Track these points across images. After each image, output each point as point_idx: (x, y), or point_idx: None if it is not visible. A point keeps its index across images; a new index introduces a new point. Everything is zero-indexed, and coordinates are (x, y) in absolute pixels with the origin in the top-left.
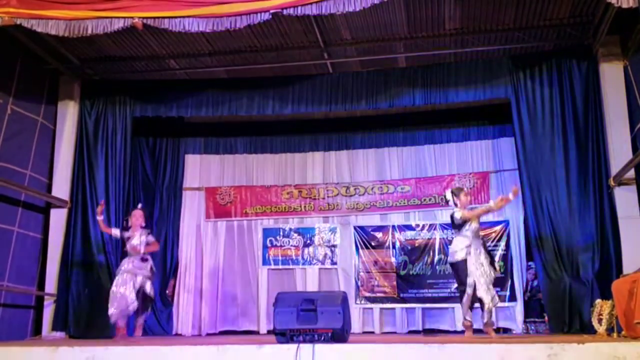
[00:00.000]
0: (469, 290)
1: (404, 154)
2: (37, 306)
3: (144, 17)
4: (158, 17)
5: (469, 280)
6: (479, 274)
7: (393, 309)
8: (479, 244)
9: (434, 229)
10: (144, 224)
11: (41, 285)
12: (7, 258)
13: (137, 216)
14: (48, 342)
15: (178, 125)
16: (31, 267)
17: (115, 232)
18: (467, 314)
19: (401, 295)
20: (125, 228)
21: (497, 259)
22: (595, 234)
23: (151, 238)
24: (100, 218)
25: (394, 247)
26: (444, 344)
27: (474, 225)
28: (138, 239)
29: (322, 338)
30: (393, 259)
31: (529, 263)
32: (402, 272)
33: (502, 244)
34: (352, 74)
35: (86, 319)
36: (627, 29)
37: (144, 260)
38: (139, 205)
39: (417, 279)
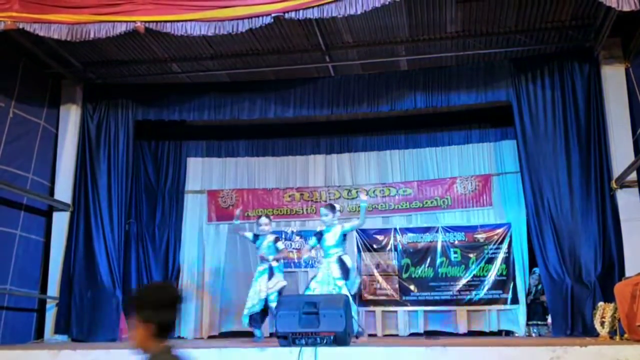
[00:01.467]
0: None
1: (406, 157)
2: (39, 309)
3: (146, 21)
4: (160, 21)
5: None
6: None
7: (395, 311)
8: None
9: (436, 232)
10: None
11: (44, 288)
12: (9, 261)
13: (263, 224)
14: (50, 346)
15: (180, 128)
16: (34, 270)
17: (248, 234)
18: None
19: (403, 298)
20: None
21: (499, 261)
22: (598, 236)
23: (280, 245)
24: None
25: (396, 249)
26: (446, 347)
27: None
28: (266, 243)
29: (325, 341)
30: (395, 262)
31: (534, 269)
32: (404, 275)
33: (505, 246)
34: (353, 77)
35: (89, 322)
36: (629, 31)
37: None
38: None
39: (419, 281)
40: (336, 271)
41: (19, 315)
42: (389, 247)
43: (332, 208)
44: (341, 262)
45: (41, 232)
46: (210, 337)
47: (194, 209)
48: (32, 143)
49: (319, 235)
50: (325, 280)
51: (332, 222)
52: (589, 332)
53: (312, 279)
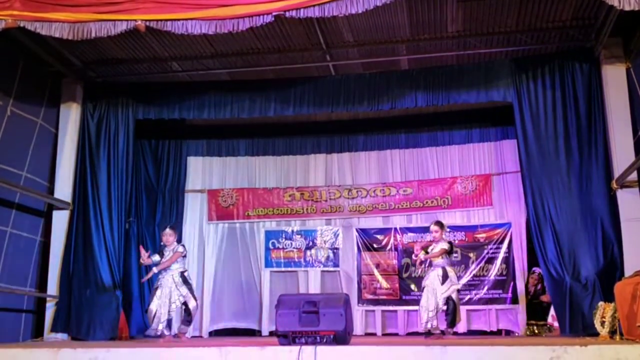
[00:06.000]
0: None
1: (406, 156)
2: (38, 308)
3: (146, 20)
4: (161, 20)
5: None
6: None
7: (395, 311)
8: None
9: None
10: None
11: (43, 286)
12: None
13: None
14: (50, 344)
15: (180, 127)
16: (24, 268)
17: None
18: None
19: (403, 297)
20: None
21: (498, 261)
22: (598, 236)
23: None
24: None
25: (396, 249)
26: (445, 346)
27: None
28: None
29: (324, 340)
30: (395, 261)
31: (533, 268)
32: (404, 275)
33: (504, 246)
34: (354, 76)
35: (88, 320)
36: (630, 31)
37: None
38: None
39: (419, 281)
40: (180, 283)
41: (7, 314)
42: (389, 247)
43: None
44: (183, 277)
45: (36, 230)
46: (210, 333)
47: (194, 208)
48: (27, 142)
49: (162, 254)
50: (167, 291)
51: (173, 242)
52: (589, 331)
53: (156, 289)
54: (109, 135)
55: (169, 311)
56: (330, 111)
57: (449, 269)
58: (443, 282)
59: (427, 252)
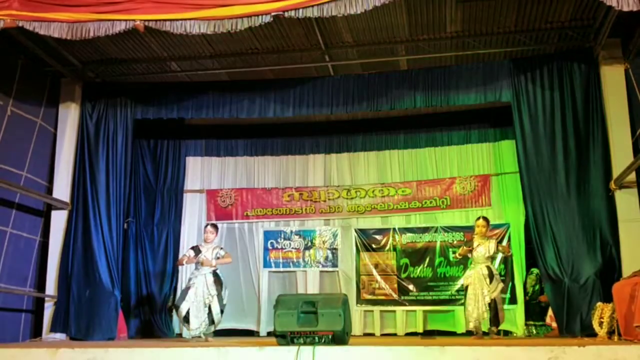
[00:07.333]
0: None
1: (405, 157)
2: (36, 308)
3: (145, 20)
4: (160, 20)
5: None
6: None
7: (394, 311)
8: None
9: (435, 232)
10: None
11: (42, 287)
12: None
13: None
14: (49, 344)
15: (179, 127)
16: (24, 268)
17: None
18: None
19: (402, 297)
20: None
21: (497, 261)
22: (596, 237)
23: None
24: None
25: (394, 249)
26: (444, 347)
27: None
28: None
29: (323, 340)
30: (394, 262)
31: (531, 269)
32: (403, 275)
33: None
34: (353, 77)
35: (87, 320)
36: (629, 32)
37: None
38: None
39: (418, 281)
40: (212, 283)
41: (7, 314)
42: (387, 247)
43: (217, 228)
44: (216, 276)
45: (36, 230)
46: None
47: (193, 208)
48: (27, 141)
49: (198, 250)
50: (200, 291)
51: (213, 240)
52: (587, 332)
53: (187, 289)
54: (108, 135)
55: (205, 312)
56: (330, 112)
57: (492, 267)
58: (491, 282)
59: (469, 247)
